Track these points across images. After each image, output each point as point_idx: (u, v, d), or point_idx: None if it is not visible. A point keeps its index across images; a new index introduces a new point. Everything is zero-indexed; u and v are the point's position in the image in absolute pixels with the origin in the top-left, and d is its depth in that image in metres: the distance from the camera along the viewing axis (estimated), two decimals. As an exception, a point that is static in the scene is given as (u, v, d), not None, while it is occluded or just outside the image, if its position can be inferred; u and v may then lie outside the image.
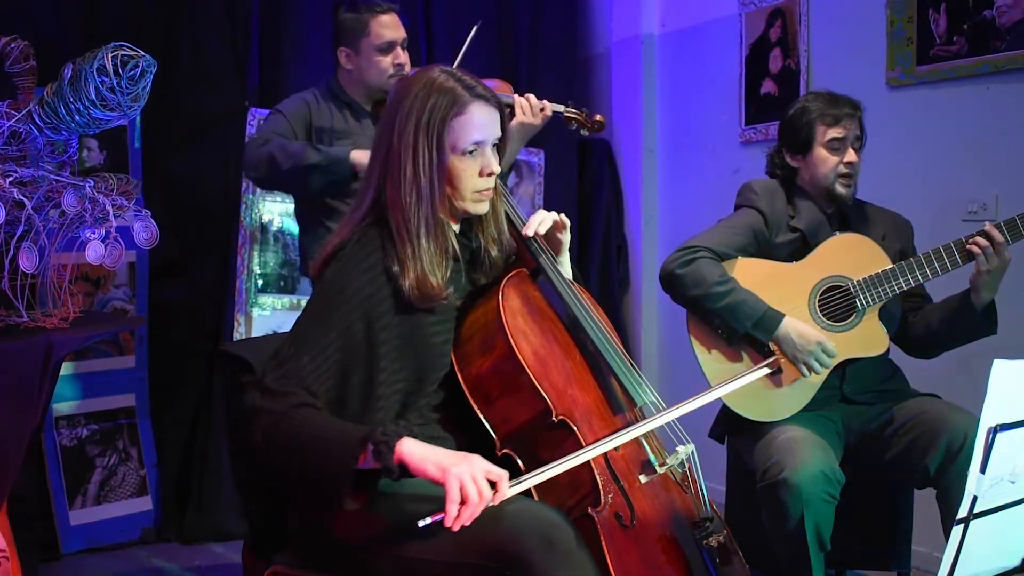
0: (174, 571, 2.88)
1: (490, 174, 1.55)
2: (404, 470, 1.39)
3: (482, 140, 1.54)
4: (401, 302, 1.50)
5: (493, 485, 1.37)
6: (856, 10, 3.12)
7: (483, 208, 1.59)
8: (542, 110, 2.43)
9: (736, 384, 1.70)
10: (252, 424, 1.42)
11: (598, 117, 2.58)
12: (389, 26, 2.47)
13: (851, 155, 2.24)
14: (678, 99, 3.84)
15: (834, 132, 2.23)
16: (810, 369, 2.13)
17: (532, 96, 2.44)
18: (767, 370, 1.79)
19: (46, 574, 2.78)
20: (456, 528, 1.34)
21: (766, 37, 3.45)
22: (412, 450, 1.39)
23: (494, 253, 1.66)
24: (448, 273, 1.55)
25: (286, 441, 1.41)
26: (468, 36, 2.48)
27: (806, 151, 2.27)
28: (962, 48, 2.81)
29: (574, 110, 2.54)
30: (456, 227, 1.63)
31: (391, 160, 1.52)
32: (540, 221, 1.70)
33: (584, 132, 2.59)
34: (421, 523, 1.34)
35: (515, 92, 2.46)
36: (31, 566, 2.56)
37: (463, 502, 1.33)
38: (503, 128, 1.58)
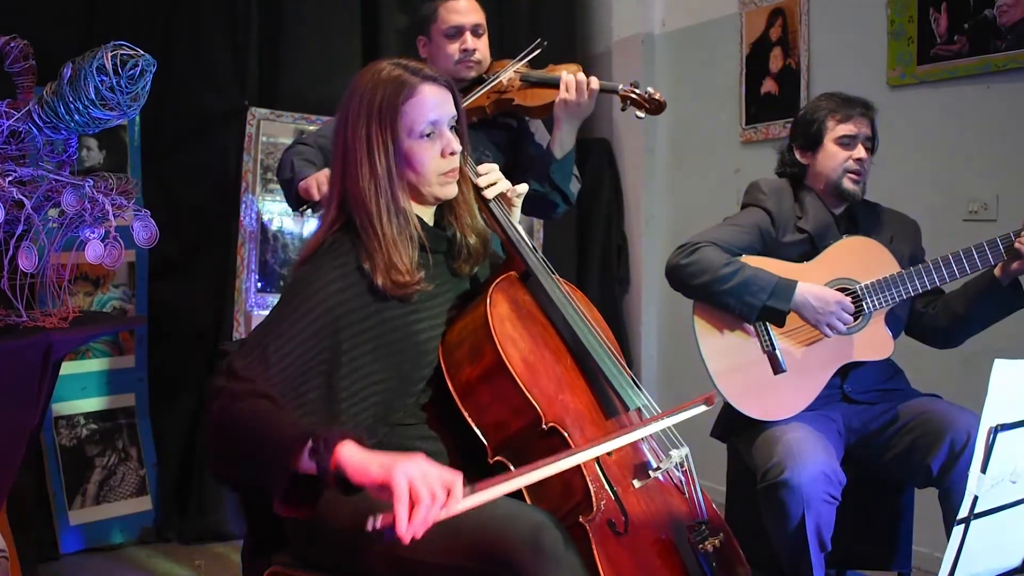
0: (173, 571, 2.88)
1: (452, 154, 1.55)
2: (346, 483, 1.24)
3: (437, 119, 1.53)
4: (377, 299, 1.48)
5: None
6: (857, 9, 3.11)
7: (451, 191, 1.58)
8: (588, 86, 2.25)
9: (677, 418, 1.51)
10: (211, 401, 1.35)
11: (658, 96, 2.30)
12: (457, 11, 2.38)
13: (861, 152, 2.24)
14: (679, 98, 3.84)
15: (845, 129, 2.24)
16: (833, 328, 2.12)
17: (582, 73, 2.28)
18: (703, 407, 1.52)
19: (45, 574, 2.78)
20: (407, 539, 1.17)
21: (766, 36, 3.45)
22: (352, 452, 1.24)
23: (472, 241, 1.64)
24: (415, 256, 1.53)
25: (233, 425, 1.32)
26: (530, 50, 2.35)
27: (816, 147, 2.27)
28: (963, 47, 2.81)
29: (635, 90, 2.29)
30: (429, 215, 1.62)
31: (348, 157, 1.52)
32: (492, 183, 1.70)
33: (641, 114, 2.30)
34: (369, 525, 1.17)
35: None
36: (30, 566, 2.56)
37: (413, 505, 1.18)
38: (457, 108, 1.58)
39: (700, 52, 3.73)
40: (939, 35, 2.87)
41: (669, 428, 1.61)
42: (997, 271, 2.11)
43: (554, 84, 2.32)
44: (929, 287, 2.14)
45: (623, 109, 2.33)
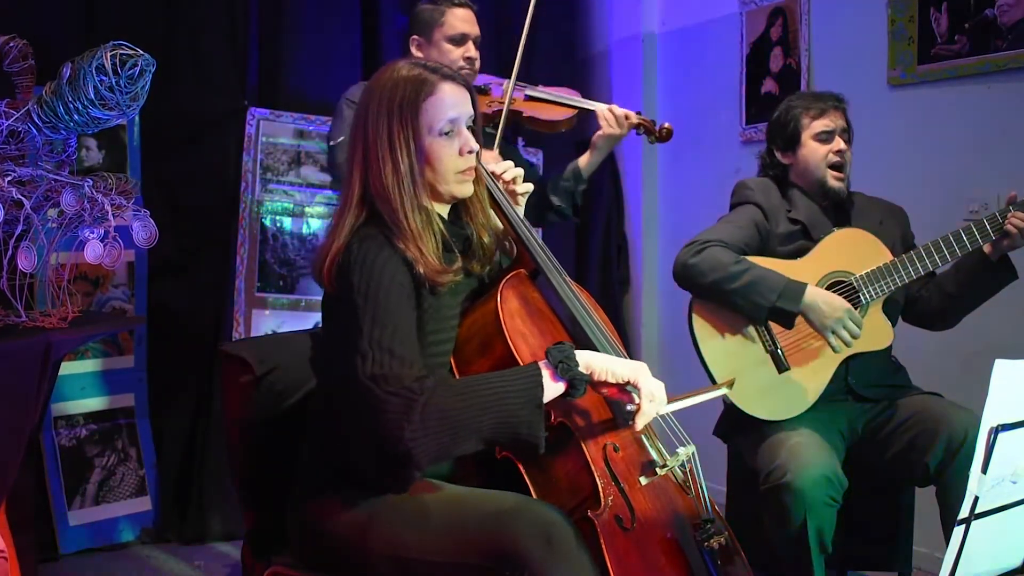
0: (173, 571, 2.88)
1: (469, 152, 1.56)
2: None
3: (456, 117, 1.54)
4: (416, 287, 1.50)
5: None
6: (857, 9, 3.11)
7: (467, 190, 1.59)
8: (627, 118, 2.48)
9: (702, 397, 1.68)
10: (398, 420, 1.35)
11: (667, 125, 2.53)
12: (466, 20, 2.49)
13: (840, 144, 2.26)
14: (679, 98, 3.84)
15: (821, 124, 2.27)
16: (839, 338, 2.09)
17: (616, 107, 2.49)
18: (725, 390, 1.77)
19: (45, 574, 2.78)
20: (640, 426, 1.51)
21: (767, 36, 3.45)
22: (591, 354, 1.50)
23: (486, 240, 1.65)
24: (440, 251, 1.54)
25: (452, 413, 1.37)
26: (530, 5, 2.50)
27: (795, 146, 2.29)
28: (963, 47, 2.81)
29: (644, 118, 2.52)
30: (444, 214, 1.62)
31: (369, 154, 1.52)
32: (506, 170, 1.74)
33: (651, 140, 2.54)
34: (629, 406, 1.52)
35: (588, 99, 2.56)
36: (30, 566, 2.55)
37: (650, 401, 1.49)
38: (474, 107, 1.59)
39: (700, 52, 3.73)
40: (940, 35, 2.87)
41: (677, 427, 1.66)
42: (987, 248, 2.13)
43: (569, 106, 2.53)
44: (923, 272, 2.15)
45: (638, 134, 2.55)
